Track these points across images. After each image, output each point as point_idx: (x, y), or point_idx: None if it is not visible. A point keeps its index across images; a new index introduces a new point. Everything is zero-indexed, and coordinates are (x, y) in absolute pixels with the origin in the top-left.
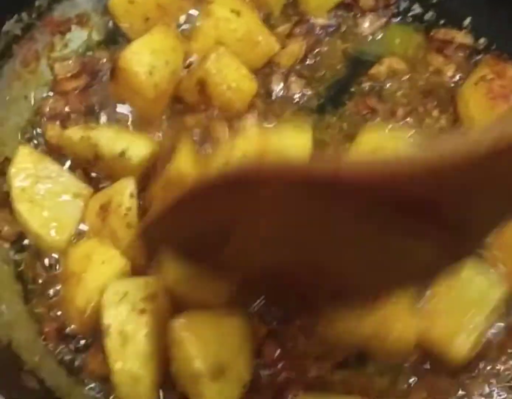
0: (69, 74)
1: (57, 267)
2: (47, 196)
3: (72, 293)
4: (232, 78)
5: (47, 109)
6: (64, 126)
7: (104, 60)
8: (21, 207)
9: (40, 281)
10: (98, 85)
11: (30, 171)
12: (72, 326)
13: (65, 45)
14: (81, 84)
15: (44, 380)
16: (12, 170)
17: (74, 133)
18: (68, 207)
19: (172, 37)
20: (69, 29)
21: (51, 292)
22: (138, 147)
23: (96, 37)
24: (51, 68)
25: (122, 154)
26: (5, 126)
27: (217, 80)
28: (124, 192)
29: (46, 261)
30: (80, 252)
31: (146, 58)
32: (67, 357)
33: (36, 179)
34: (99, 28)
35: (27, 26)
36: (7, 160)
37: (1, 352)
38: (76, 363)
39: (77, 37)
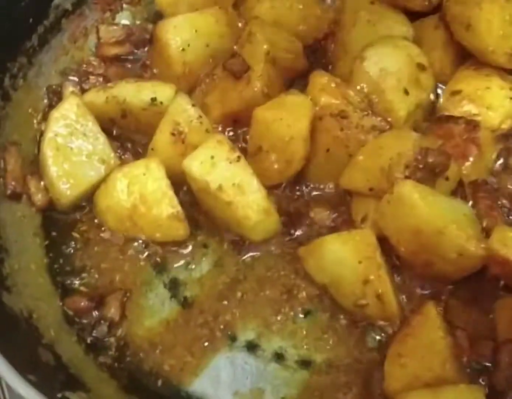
0: (113, 40)
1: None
2: (75, 151)
3: None
4: None
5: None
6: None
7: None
8: (48, 151)
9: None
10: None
11: (70, 122)
12: None
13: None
14: (123, 52)
15: (60, 356)
16: (55, 114)
17: (96, 97)
18: (90, 169)
19: (223, 24)
20: (120, 8)
21: (77, 265)
22: (164, 92)
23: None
24: (97, 31)
25: (154, 100)
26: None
27: None
28: (186, 107)
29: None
30: None
31: (184, 34)
32: (85, 335)
33: (72, 131)
34: (151, 11)
35: (78, 2)
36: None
37: (21, 324)
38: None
39: (127, 18)
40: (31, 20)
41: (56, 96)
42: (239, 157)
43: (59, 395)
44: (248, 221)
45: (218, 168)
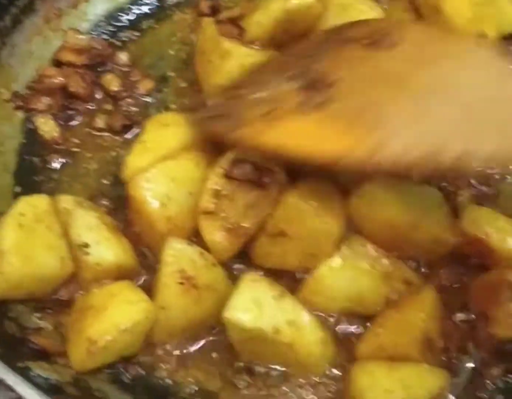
0: (75, 47)
1: None
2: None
3: (87, 324)
4: None
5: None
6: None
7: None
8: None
9: None
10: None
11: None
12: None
13: (88, 7)
14: (78, 62)
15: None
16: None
17: None
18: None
19: (205, 166)
20: None
21: None
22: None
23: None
24: (64, 35)
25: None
26: (20, 81)
27: None
28: (184, 250)
29: None
30: (105, 290)
31: (161, 187)
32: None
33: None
34: None
35: None
36: None
37: None
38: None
39: (102, 1)
40: (4, 0)
41: (22, 101)
42: (282, 291)
43: (20, 365)
44: (313, 358)
45: (267, 310)
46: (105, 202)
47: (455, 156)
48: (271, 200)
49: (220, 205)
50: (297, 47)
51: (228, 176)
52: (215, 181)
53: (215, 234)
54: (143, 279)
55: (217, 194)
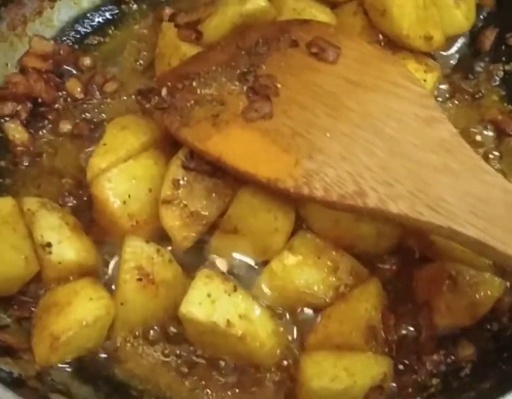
0: (40, 53)
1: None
2: None
3: (50, 321)
4: None
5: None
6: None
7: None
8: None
9: None
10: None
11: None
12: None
13: (53, 14)
14: (43, 67)
15: None
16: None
17: None
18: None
19: (164, 163)
20: None
21: None
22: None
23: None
24: (29, 41)
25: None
26: None
27: None
28: (142, 248)
29: None
30: (68, 287)
31: (122, 186)
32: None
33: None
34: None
35: None
36: None
37: None
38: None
39: (66, 8)
40: None
41: None
42: (235, 286)
43: None
44: (264, 349)
45: (220, 304)
46: (70, 204)
47: (373, 204)
48: (229, 189)
49: (179, 194)
50: (248, 37)
51: (186, 167)
52: (174, 171)
53: (174, 222)
54: (110, 276)
55: (176, 184)
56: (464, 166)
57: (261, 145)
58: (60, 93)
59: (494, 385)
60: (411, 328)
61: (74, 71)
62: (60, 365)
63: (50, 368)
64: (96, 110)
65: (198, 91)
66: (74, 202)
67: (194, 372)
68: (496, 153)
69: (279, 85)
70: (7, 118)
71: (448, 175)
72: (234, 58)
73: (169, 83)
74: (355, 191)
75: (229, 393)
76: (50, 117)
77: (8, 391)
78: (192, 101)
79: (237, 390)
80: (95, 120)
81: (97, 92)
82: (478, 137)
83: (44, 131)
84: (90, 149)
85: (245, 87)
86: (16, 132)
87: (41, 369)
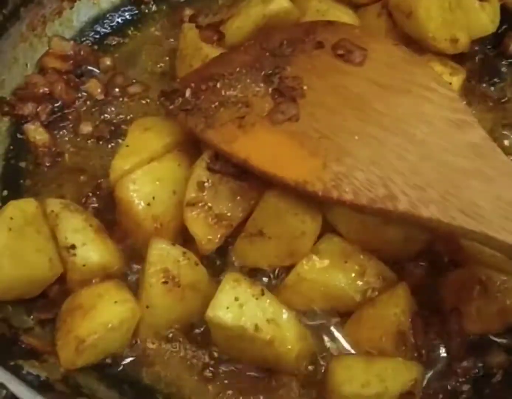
0: (60, 53)
1: None
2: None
3: (75, 324)
4: None
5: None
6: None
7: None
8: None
9: None
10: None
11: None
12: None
13: (72, 14)
14: (63, 68)
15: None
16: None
17: None
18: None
19: (187, 166)
20: None
21: None
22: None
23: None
24: (49, 41)
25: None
26: (6, 88)
27: None
28: (168, 250)
29: None
30: (93, 290)
31: (146, 188)
32: None
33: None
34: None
35: None
36: None
37: None
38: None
39: (85, 8)
40: None
41: (8, 107)
42: (262, 290)
43: (12, 363)
44: (291, 353)
45: (248, 308)
46: (93, 205)
47: (403, 208)
48: (254, 191)
49: (204, 197)
50: (272, 38)
51: (211, 169)
52: (199, 174)
53: (199, 224)
54: (134, 278)
55: (201, 186)
56: (496, 170)
57: (288, 148)
58: (80, 95)
59: None
60: (441, 334)
61: (95, 72)
62: (86, 369)
63: (75, 371)
64: (116, 111)
65: (223, 92)
66: (96, 203)
67: (218, 377)
68: None
69: (305, 87)
70: (27, 120)
71: (480, 180)
72: (259, 60)
73: (192, 85)
74: (386, 195)
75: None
76: (70, 118)
77: (37, 395)
78: (217, 103)
79: (261, 397)
80: (115, 121)
81: (118, 93)
82: (506, 143)
83: (65, 132)
84: (111, 150)
85: (270, 89)
86: (37, 133)
87: (67, 373)
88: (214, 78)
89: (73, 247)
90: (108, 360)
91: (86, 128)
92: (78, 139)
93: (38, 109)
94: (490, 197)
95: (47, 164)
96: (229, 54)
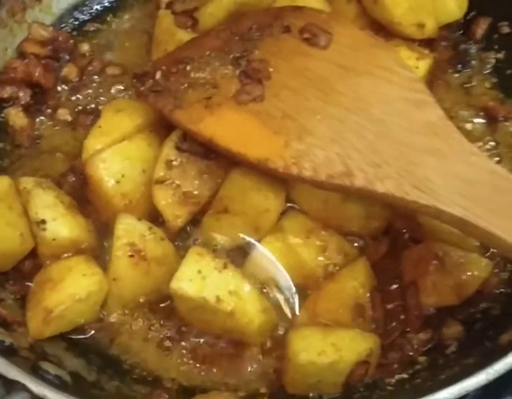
0: (39, 39)
1: None
2: None
3: (44, 295)
4: None
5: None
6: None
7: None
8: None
9: None
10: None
11: None
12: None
13: (52, 1)
14: (42, 53)
15: None
16: None
17: None
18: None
19: (157, 146)
20: None
21: None
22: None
23: None
24: (29, 27)
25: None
26: None
27: None
28: (133, 225)
29: None
30: (63, 264)
31: (115, 166)
32: None
33: None
34: None
35: None
36: None
37: None
38: None
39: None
40: None
41: None
42: (225, 263)
43: None
44: (252, 325)
45: (210, 280)
46: (67, 185)
47: (360, 184)
48: (221, 170)
49: (172, 175)
50: (242, 23)
51: (179, 148)
52: (167, 152)
53: (167, 201)
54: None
55: (169, 165)
56: (451, 148)
57: (252, 127)
58: (58, 79)
59: (478, 361)
60: (398, 307)
61: (73, 57)
62: (54, 339)
63: (43, 341)
64: (94, 95)
65: (192, 75)
66: (71, 182)
67: (179, 347)
68: (492, 143)
69: (271, 70)
70: (8, 104)
71: (435, 157)
72: (228, 44)
73: (163, 67)
74: (343, 172)
75: (214, 370)
76: (50, 103)
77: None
78: (186, 85)
79: (224, 363)
80: (92, 106)
81: (94, 78)
82: (469, 126)
83: (43, 117)
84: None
85: (237, 71)
86: (17, 117)
87: (34, 342)
88: (185, 61)
89: (43, 221)
90: (76, 331)
91: (64, 112)
92: (56, 123)
93: (18, 94)
94: (443, 173)
95: (26, 145)
96: (200, 38)
